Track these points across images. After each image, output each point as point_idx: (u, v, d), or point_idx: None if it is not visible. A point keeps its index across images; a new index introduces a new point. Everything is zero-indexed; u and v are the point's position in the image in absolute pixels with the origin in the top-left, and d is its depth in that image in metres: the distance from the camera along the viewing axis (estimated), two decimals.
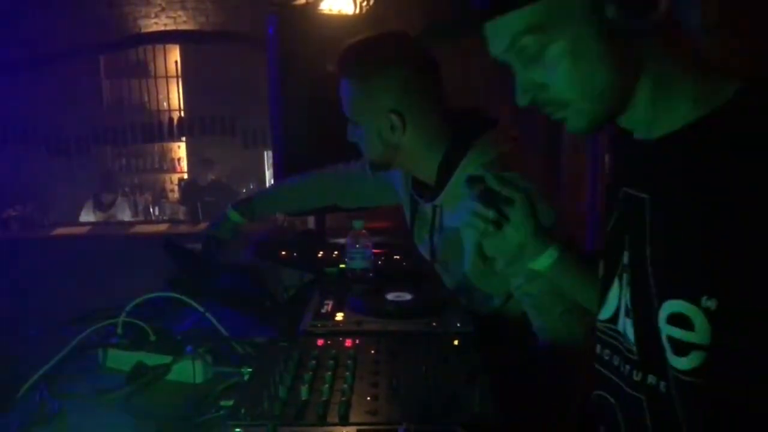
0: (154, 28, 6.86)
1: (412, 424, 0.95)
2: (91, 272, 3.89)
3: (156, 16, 6.91)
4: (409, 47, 1.52)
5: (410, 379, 1.11)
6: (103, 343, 1.43)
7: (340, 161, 1.99)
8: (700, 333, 0.79)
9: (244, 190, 6.68)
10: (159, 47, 6.92)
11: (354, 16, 2.24)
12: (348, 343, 1.30)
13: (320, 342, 1.31)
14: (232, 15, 6.63)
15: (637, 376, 0.89)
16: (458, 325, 1.38)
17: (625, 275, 0.91)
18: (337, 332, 1.37)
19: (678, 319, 0.81)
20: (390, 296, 1.53)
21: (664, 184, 0.86)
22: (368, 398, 1.06)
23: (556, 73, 0.84)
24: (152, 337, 1.42)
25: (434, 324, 1.39)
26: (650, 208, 0.86)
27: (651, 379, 0.86)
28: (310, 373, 1.13)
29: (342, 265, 1.90)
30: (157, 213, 6.66)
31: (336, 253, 2.09)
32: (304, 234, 2.46)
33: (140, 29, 6.86)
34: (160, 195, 7.00)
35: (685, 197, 0.82)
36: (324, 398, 1.05)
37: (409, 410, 1.01)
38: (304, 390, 1.06)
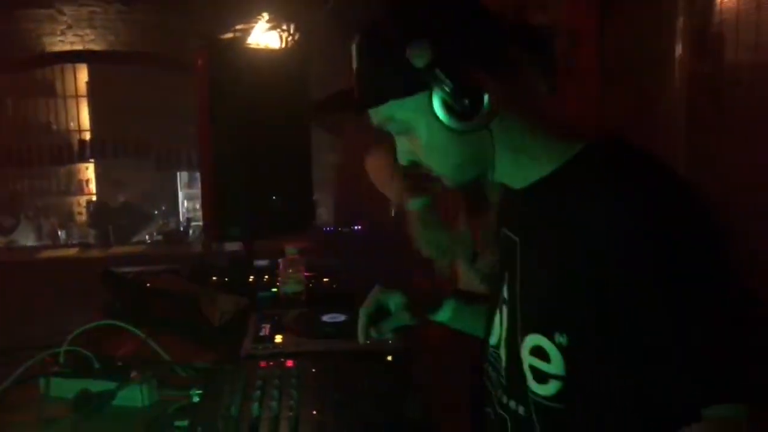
0: (60, 47, 6.69)
1: None
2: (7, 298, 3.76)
3: (62, 33, 6.74)
4: None
5: (351, 395, 1.22)
6: (46, 372, 1.45)
7: (268, 185, 2.08)
8: (555, 364, 0.88)
9: (156, 212, 6.60)
10: (67, 66, 6.74)
11: (279, 50, 2.34)
12: (290, 363, 1.39)
13: (263, 364, 1.39)
14: (141, 35, 6.55)
15: (503, 399, 1.01)
16: (390, 342, 1.50)
17: (504, 307, 1.02)
18: (278, 354, 1.46)
19: (538, 351, 0.91)
20: (325, 318, 1.63)
21: (528, 229, 0.98)
22: (314, 412, 1.16)
23: (416, 150, 0.97)
24: (96, 364, 1.46)
25: (368, 342, 1.50)
26: (520, 249, 0.99)
27: (512, 404, 0.98)
28: (258, 392, 1.22)
29: (274, 289, 1.99)
30: (64, 237, 6.46)
31: (266, 277, 2.17)
32: (234, 258, 2.52)
33: (45, 47, 6.67)
34: (68, 218, 6.79)
35: (542, 241, 0.93)
36: (274, 414, 1.14)
37: (353, 423, 1.12)
38: (254, 408, 1.15)
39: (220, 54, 2.17)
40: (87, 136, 6.77)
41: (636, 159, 0.90)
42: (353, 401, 1.19)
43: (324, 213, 6.25)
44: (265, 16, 2.28)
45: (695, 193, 0.85)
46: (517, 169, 0.97)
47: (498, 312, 1.04)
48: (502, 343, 1.02)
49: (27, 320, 1.70)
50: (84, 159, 6.73)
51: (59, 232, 6.48)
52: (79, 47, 6.69)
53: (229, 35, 2.25)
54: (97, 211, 6.45)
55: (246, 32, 2.25)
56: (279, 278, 1.92)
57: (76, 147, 6.58)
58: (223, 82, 2.19)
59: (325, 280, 2.18)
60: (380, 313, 1.18)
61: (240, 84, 2.19)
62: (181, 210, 6.98)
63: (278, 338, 1.55)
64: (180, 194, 6.99)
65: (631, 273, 0.81)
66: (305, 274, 2.01)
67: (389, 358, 1.41)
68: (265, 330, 1.61)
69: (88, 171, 6.99)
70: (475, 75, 0.88)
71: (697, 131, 2.18)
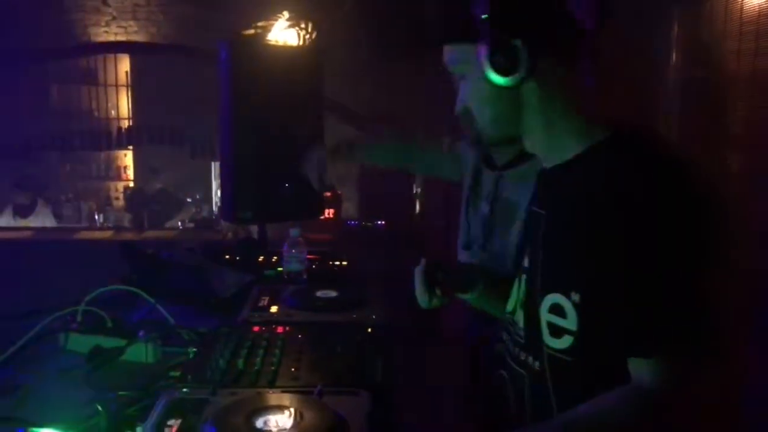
0: (105, 37, 6.97)
1: (326, 387, 1.20)
2: (41, 273, 3.99)
3: (107, 24, 7.01)
4: None
5: (328, 357, 1.37)
6: (65, 328, 1.63)
7: (285, 176, 2.24)
8: (570, 320, 1.02)
9: (190, 199, 6.83)
10: (109, 56, 7.02)
11: (298, 46, 2.49)
12: (279, 329, 1.54)
13: (256, 329, 1.55)
14: (181, 28, 6.79)
15: (521, 356, 1.14)
16: (374, 317, 1.64)
17: (523, 276, 1.16)
18: (271, 321, 1.61)
19: (556, 309, 1.05)
20: (319, 293, 1.78)
21: (555, 203, 1.11)
22: (292, 369, 1.31)
23: (469, 97, 1.13)
24: (109, 324, 1.63)
25: (354, 316, 1.65)
26: (545, 221, 1.12)
27: (530, 359, 1.12)
28: (246, 350, 1.37)
29: (279, 269, 2.15)
30: (101, 220, 6.73)
31: (275, 258, 2.33)
32: (246, 241, 2.68)
33: (90, 37, 6.96)
34: (105, 202, 7.06)
35: (568, 212, 1.08)
36: (256, 368, 1.29)
37: (324, 377, 1.26)
38: (240, 362, 1.31)
39: (241, 48, 2.32)
40: (126, 124, 7.03)
41: (656, 146, 1.04)
42: (326, 361, 1.34)
43: (350, 207, 6.40)
44: (286, 14, 2.43)
45: (701, 177, 0.99)
46: (551, 144, 1.11)
47: (517, 281, 1.18)
48: (518, 307, 1.16)
49: (55, 289, 1.87)
50: (122, 146, 6.99)
51: (96, 216, 6.75)
52: (122, 38, 6.97)
53: (251, 31, 2.41)
54: (133, 196, 6.70)
55: (267, 29, 2.40)
56: (283, 258, 2.07)
57: (115, 134, 6.85)
58: (243, 75, 2.34)
59: (330, 262, 2.32)
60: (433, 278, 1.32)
61: (259, 77, 2.34)
62: (215, 199, 7.19)
63: (273, 308, 1.70)
64: (214, 183, 7.20)
65: (629, 237, 0.95)
66: (309, 256, 2.16)
67: (369, 330, 1.55)
68: (264, 302, 1.76)
69: (126, 158, 7.25)
70: (516, 39, 1.02)
71: (690, 135, 2.27)
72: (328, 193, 4.79)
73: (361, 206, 6.36)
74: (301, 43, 2.43)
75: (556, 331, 1.05)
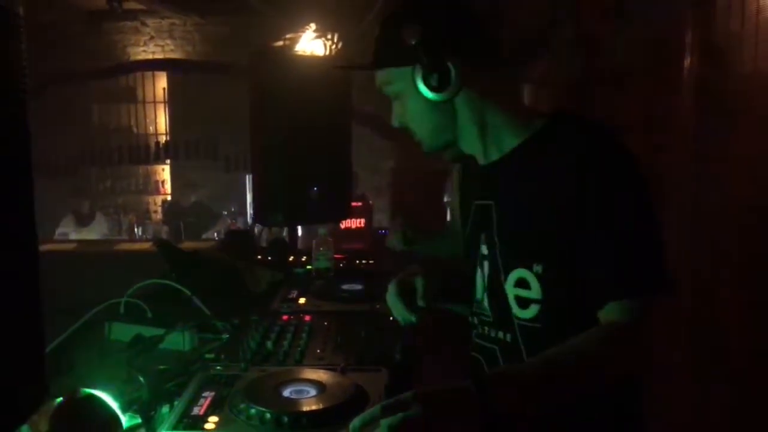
0: (143, 56, 7.23)
1: (349, 365, 1.29)
2: (87, 276, 4.15)
3: (145, 44, 7.28)
4: None
5: (351, 341, 1.46)
6: (109, 318, 1.75)
7: (310, 179, 2.34)
8: (534, 290, 1.15)
9: (225, 212, 7.01)
10: (147, 74, 7.27)
11: (324, 56, 2.61)
12: (307, 318, 1.64)
13: (285, 317, 1.65)
14: (216, 46, 7.01)
15: (492, 333, 1.25)
16: None
17: (484, 263, 1.27)
18: (299, 311, 1.71)
19: (520, 282, 1.17)
20: (345, 286, 1.88)
21: (502, 191, 1.24)
22: (318, 351, 1.40)
23: (403, 113, 1.24)
24: (149, 315, 1.74)
25: (378, 306, 1.74)
26: (495, 210, 1.24)
27: (500, 334, 1.23)
28: (275, 334, 1.47)
29: (308, 267, 2.25)
30: (140, 233, 6.94)
31: (304, 258, 2.44)
32: (276, 241, 2.80)
33: (129, 57, 7.22)
34: (144, 216, 7.29)
35: (517, 196, 1.20)
36: (284, 350, 1.39)
37: (348, 357, 1.35)
38: (269, 344, 1.40)
39: (270, 59, 2.45)
40: (163, 139, 7.26)
41: (588, 124, 1.17)
42: (350, 344, 1.43)
43: (383, 219, 6.50)
44: (313, 26, 2.55)
45: (627, 148, 1.12)
46: (485, 143, 1.23)
47: (478, 269, 1.28)
48: (485, 292, 1.27)
49: (100, 287, 2.00)
50: (160, 160, 7.22)
51: (135, 228, 6.97)
52: (159, 56, 7.23)
53: (279, 43, 2.53)
54: (170, 209, 6.90)
55: (294, 41, 2.52)
56: (312, 256, 2.18)
57: (153, 149, 7.08)
58: (272, 86, 2.46)
59: (357, 261, 2.42)
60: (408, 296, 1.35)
61: (287, 87, 2.46)
62: (249, 211, 7.36)
63: (302, 300, 1.80)
64: (248, 196, 7.37)
65: (586, 199, 1.08)
66: (337, 255, 2.26)
67: (391, 318, 1.63)
68: (293, 294, 1.86)
69: (164, 172, 7.49)
70: (446, 57, 1.15)
71: (705, 136, 2.32)
72: (359, 203, 4.91)
73: (393, 215, 6.46)
74: (327, 53, 2.54)
75: (524, 303, 1.17)
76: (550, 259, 1.13)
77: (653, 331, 1.07)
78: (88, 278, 4.25)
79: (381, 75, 1.24)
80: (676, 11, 2.47)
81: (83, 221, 6.44)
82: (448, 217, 2.62)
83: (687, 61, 2.46)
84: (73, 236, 6.24)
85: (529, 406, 0.97)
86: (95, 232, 6.44)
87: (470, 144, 1.25)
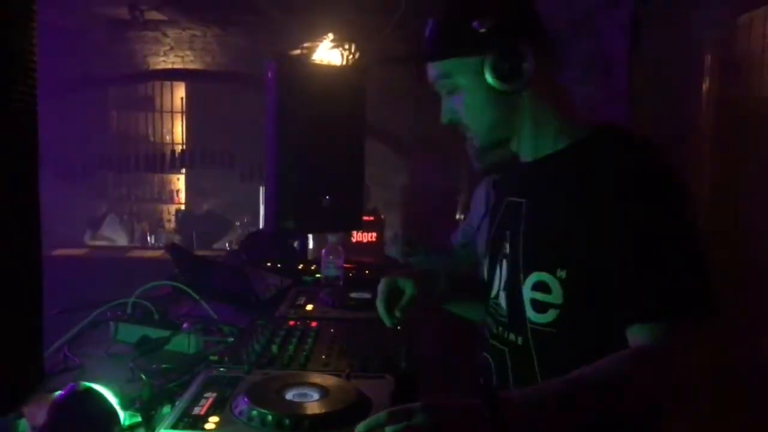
0: (163, 66, 7.30)
1: (353, 371, 1.27)
2: (97, 278, 4.16)
3: (165, 54, 7.35)
4: None
5: (358, 347, 1.44)
6: (116, 318, 1.74)
7: (322, 188, 2.33)
8: (555, 295, 1.13)
9: (238, 223, 7.02)
10: (166, 83, 7.34)
11: (341, 66, 2.61)
12: (314, 324, 1.62)
13: (291, 323, 1.63)
14: (235, 57, 7.06)
15: (504, 334, 1.23)
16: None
17: (504, 261, 1.26)
18: (306, 317, 1.69)
19: (539, 286, 1.15)
20: (353, 294, 1.86)
21: (536, 191, 1.22)
22: (323, 356, 1.38)
23: (460, 108, 1.21)
24: (156, 316, 1.73)
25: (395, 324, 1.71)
26: (525, 209, 1.22)
27: (512, 336, 1.21)
28: (280, 338, 1.45)
29: (318, 275, 2.24)
30: (153, 241, 6.97)
31: (314, 266, 2.42)
32: (287, 248, 2.79)
33: (149, 66, 7.29)
34: (157, 224, 7.33)
35: (549, 199, 1.19)
36: (289, 354, 1.37)
37: (353, 363, 1.33)
38: (274, 348, 1.39)
39: (286, 67, 2.45)
40: (180, 148, 7.30)
41: (632, 140, 1.14)
42: (356, 351, 1.41)
43: (395, 237, 6.48)
44: (330, 35, 2.56)
45: (672, 167, 1.10)
46: (535, 142, 1.21)
47: (498, 267, 1.27)
48: (501, 290, 1.25)
49: (111, 289, 2.00)
50: (176, 169, 7.26)
51: (148, 237, 7.00)
52: (179, 66, 7.29)
53: (297, 51, 2.54)
54: (183, 217, 6.93)
55: (312, 49, 2.53)
56: (322, 264, 2.16)
57: (168, 158, 7.13)
58: (288, 92, 2.46)
59: (366, 271, 2.41)
60: (395, 297, 1.39)
61: (303, 94, 2.46)
62: (262, 222, 7.36)
63: (309, 307, 1.78)
64: (261, 207, 7.37)
65: (621, 217, 1.05)
66: (346, 265, 2.25)
67: (398, 327, 1.61)
68: (301, 301, 1.85)
69: (179, 182, 7.53)
70: (521, 47, 1.12)
71: (721, 155, 2.29)
72: (371, 217, 4.91)
73: (405, 229, 6.45)
74: (344, 63, 2.55)
75: (540, 307, 1.15)
76: (576, 266, 1.11)
77: (694, 364, 1.02)
78: (99, 281, 4.28)
79: (439, 67, 1.21)
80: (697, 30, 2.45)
81: (95, 223, 6.47)
82: (458, 237, 2.58)
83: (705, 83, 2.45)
84: (87, 239, 6.28)
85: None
86: (107, 231, 6.47)
87: (521, 142, 1.23)
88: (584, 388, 0.98)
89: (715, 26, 2.52)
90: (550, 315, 1.14)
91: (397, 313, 1.38)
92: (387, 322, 1.39)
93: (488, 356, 1.29)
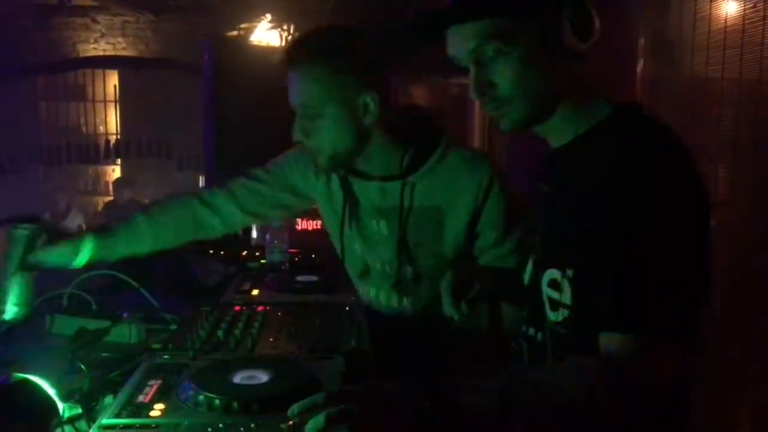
0: (93, 53, 7.04)
1: (302, 353, 1.25)
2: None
3: (96, 41, 7.09)
4: (363, 36, 1.50)
5: (306, 330, 1.42)
6: (51, 310, 1.67)
7: None
8: (565, 295, 1.03)
9: None
10: (98, 72, 7.08)
11: (280, 47, 2.56)
12: (260, 308, 1.59)
13: (237, 308, 1.59)
14: (169, 43, 6.87)
15: (528, 331, 1.17)
16: (353, 298, 1.69)
17: (533, 254, 1.17)
18: (252, 302, 1.66)
19: (553, 284, 1.06)
20: (300, 277, 1.83)
21: (557, 182, 1.13)
22: (272, 339, 1.35)
23: (507, 75, 1.03)
24: (94, 307, 1.67)
25: (333, 297, 1.70)
26: (547, 200, 1.16)
27: (531, 330, 1.15)
28: (226, 324, 1.42)
29: (263, 261, 2.20)
30: None
31: (258, 253, 2.38)
32: (230, 236, 2.72)
33: (79, 53, 7.02)
34: (92, 217, 7.09)
35: (563, 192, 1.09)
36: (236, 339, 1.34)
37: (302, 346, 1.31)
38: (220, 333, 1.35)
39: (224, 48, 2.39)
40: (114, 138, 7.08)
41: (649, 123, 1.04)
42: (305, 334, 1.39)
43: None
44: (268, 16, 2.50)
45: (688, 155, 0.99)
46: (563, 124, 1.09)
47: (530, 260, 1.19)
48: (528, 284, 1.18)
49: (44, 277, 1.91)
50: (110, 160, 7.04)
51: (83, 227, 6.77)
52: (111, 54, 7.05)
53: (234, 33, 2.48)
54: (106, 207, 6.70)
55: (249, 31, 2.47)
56: (266, 249, 2.12)
57: (102, 148, 6.89)
58: (226, 76, 2.41)
59: (312, 256, 2.37)
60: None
61: (241, 78, 2.41)
62: None
63: (255, 292, 1.75)
64: None
65: (621, 215, 0.94)
66: (291, 250, 2.21)
67: (347, 308, 1.60)
68: (246, 286, 1.81)
69: (115, 173, 7.30)
70: (588, 4, 1.03)
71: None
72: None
73: None
74: (282, 44, 2.50)
75: (554, 305, 1.06)
76: (580, 265, 1.02)
77: (664, 386, 0.93)
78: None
79: (487, 26, 1.02)
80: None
81: (59, 218, 6.22)
82: None
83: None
84: None
85: None
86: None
87: (552, 124, 1.09)
88: (533, 389, 0.93)
89: (648, 6, 2.57)
90: (561, 314, 1.05)
91: (464, 306, 1.28)
92: (454, 315, 1.28)
93: (516, 345, 1.21)
